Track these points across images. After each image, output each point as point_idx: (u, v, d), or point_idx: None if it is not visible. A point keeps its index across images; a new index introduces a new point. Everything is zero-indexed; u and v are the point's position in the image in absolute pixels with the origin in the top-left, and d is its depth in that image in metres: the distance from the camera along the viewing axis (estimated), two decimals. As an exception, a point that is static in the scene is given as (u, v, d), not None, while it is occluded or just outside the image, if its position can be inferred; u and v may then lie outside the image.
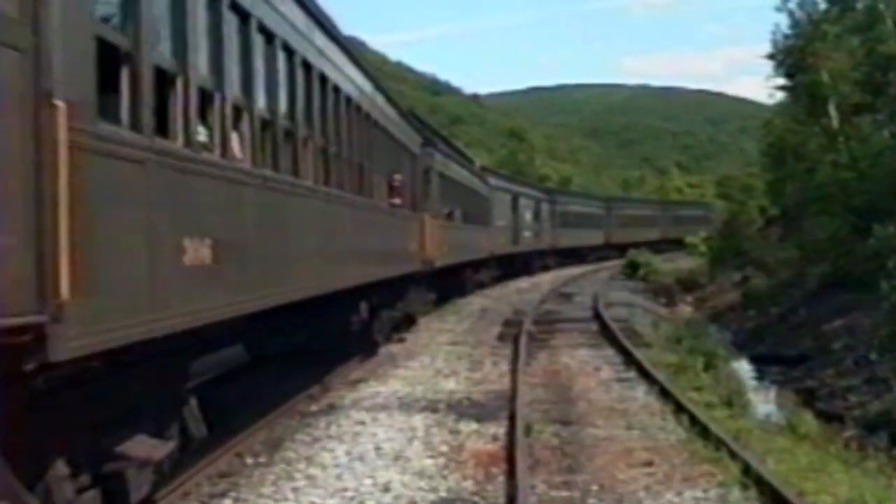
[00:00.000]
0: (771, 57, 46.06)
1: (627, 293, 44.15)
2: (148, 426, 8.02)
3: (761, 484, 9.90)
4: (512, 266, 53.79)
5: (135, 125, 7.11)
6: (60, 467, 6.57)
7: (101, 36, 6.61)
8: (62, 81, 5.72)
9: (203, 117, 8.92)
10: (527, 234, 58.64)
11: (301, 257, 12.23)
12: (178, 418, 8.85)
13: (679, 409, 14.21)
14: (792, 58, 44.39)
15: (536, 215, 62.24)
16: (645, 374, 17.65)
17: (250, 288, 9.81)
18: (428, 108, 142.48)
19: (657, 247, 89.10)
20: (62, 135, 5.60)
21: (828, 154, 41.56)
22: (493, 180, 49.74)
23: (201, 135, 8.80)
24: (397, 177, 21.15)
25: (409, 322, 25.73)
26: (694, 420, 13.25)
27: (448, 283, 34.27)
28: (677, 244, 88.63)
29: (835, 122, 41.47)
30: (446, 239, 30.34)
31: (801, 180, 45.41)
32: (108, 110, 6.76)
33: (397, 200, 21.01)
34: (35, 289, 5.50)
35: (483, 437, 13.01)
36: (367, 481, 10.64)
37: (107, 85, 6.78)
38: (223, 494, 10.09)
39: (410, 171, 24.29)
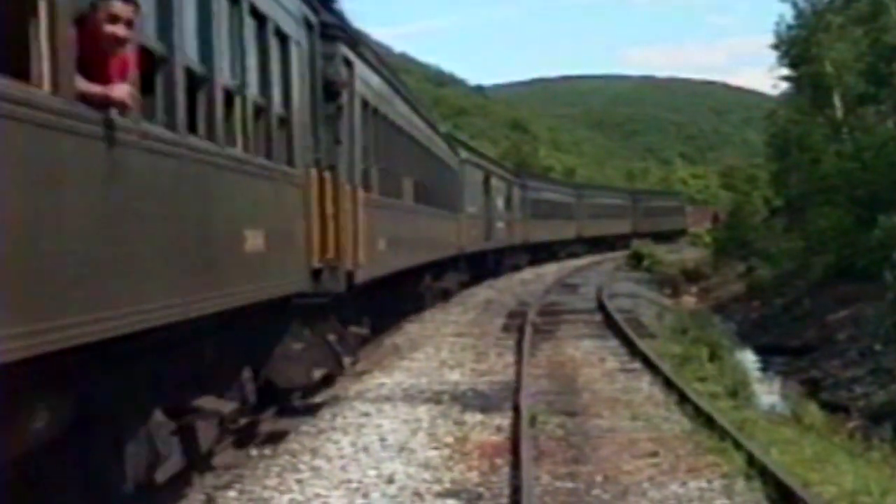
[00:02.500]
0: (775, 47, 46.18)
1: (632, 284, 44.13)
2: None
3: (766, 474, 9.88)
4: (483, 266, 43.16)
5: None
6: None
7: None
8: None
9: None
10: (500, 225, 47.16)
11: None
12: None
13: (684, 399, 14.18)
14: (796, 48, 44.49)
15: (508, 202, 50.78)
16: (650, 365, 17.62)
17: None
18: (432, 99, 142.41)
19: (627, 241, 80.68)
20: None
21: (832, 145, 41.63)
22: (463, 152, 38.00)
23: None
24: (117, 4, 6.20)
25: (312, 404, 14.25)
26: (698, 411, 13.23)
27: (395, 298, 22.48)
28: (650, 239, 79.81)
29: (839, 113, 41.51)
30: (383, 228, 18.10)
31: (806, 171, 45.51)
32: None
33: (122, 92, 6.28)
34: None
35: (488, 429, 12.99)
36: (372, 473, 10.64)
37: None
38: (227, 486, 10.08)
39: (269, 65, 10.60)
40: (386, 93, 19.89)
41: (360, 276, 15.04)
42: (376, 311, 19.12)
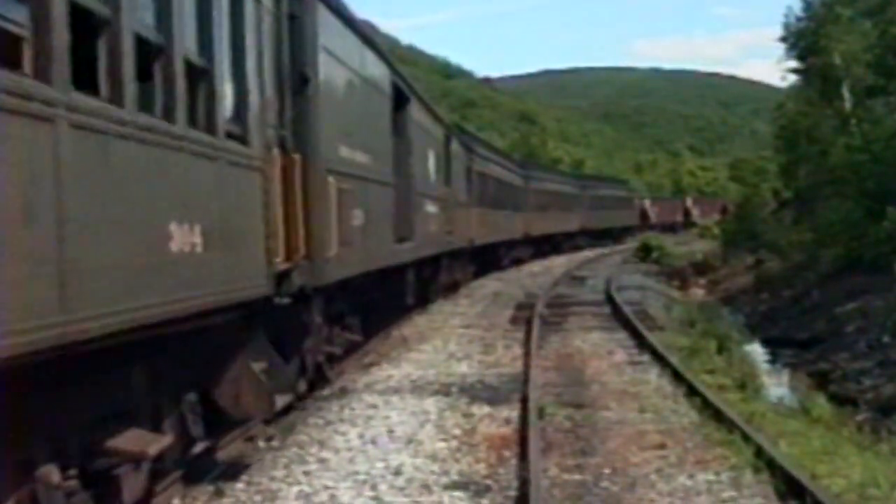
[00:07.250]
0: (783, 40, 46.02)
1: (640, 276, 44.09)
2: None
3: (774, 467, 9.88)
4: (396, 295, 21.60)
5: None
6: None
7: None
8: None
9: None
10: (430, 209, 24.06)
11: None
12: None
13: (692, 391, 14.19)
14: (804, 40, 44.33)
15: (446, 166, 28.04)
16: (658, 357, 17.61)
17: None
18: (440, 91, 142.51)
19: (575, 242, 71.18)
20: None
21: (841, 137, 41.44)
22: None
23: None
24: None
25: None
26: (706, 403, 13.23)
27: None
28: (597, 238, 72.83)
29: (847, 105, 41.33)
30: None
31: (814, 163, 45.35)
32: None
33: None
34: None
35: (496, 421, 12.99)
36: (380, 465, 10.64)
37: None
38: (235, 478, 10.08)
39: None
40: None
41: None
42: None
